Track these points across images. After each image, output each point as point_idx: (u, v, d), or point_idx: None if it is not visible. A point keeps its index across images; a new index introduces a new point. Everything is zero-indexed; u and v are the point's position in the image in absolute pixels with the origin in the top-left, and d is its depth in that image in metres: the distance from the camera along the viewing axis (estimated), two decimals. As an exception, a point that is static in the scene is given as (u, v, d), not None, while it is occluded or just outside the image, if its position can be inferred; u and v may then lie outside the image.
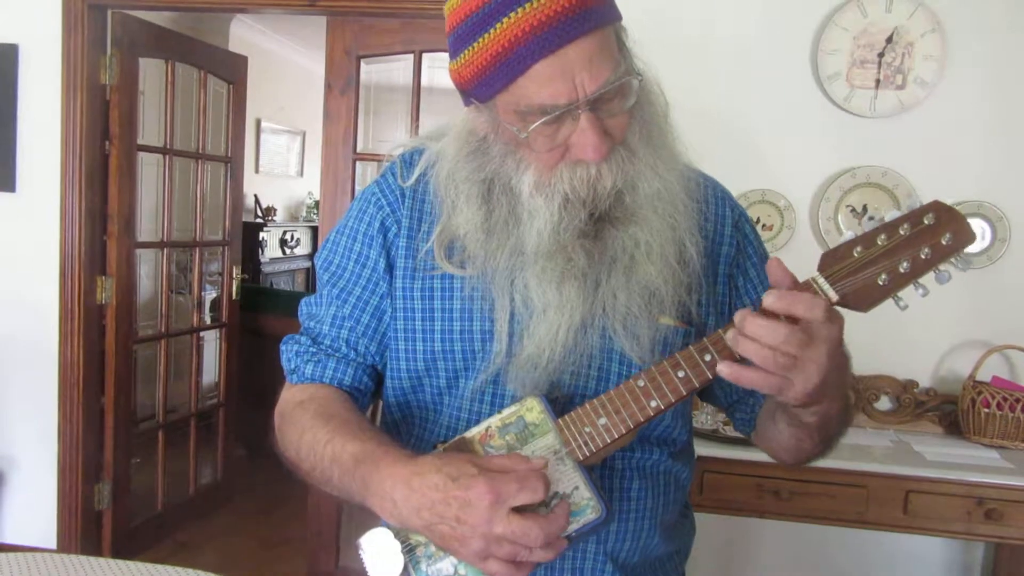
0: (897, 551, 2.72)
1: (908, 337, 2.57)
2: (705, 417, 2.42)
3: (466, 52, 0.91)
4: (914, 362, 2.62)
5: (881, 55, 2.54)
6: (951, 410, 2.56)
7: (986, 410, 2.41)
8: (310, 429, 0.99)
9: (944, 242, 0.85)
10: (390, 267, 1.07)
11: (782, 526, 2.66)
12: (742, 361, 0.84)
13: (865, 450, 2.34)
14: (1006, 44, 2.51)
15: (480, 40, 0.88)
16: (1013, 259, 2.55)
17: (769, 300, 0.82)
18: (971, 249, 2.49)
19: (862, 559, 2.75)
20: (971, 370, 2.50)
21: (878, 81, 2.54)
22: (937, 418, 2.58)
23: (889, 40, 2.53)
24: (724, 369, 0.83)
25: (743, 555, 2.84)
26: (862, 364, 2.60)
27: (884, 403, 2.63)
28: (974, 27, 2.51)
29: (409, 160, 1.10)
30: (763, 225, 2.62)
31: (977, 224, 2.52)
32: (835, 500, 2.25)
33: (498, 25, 0.86)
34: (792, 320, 0.81)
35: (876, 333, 2.46)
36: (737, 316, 0.83)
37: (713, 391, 1.15)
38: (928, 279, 0.87)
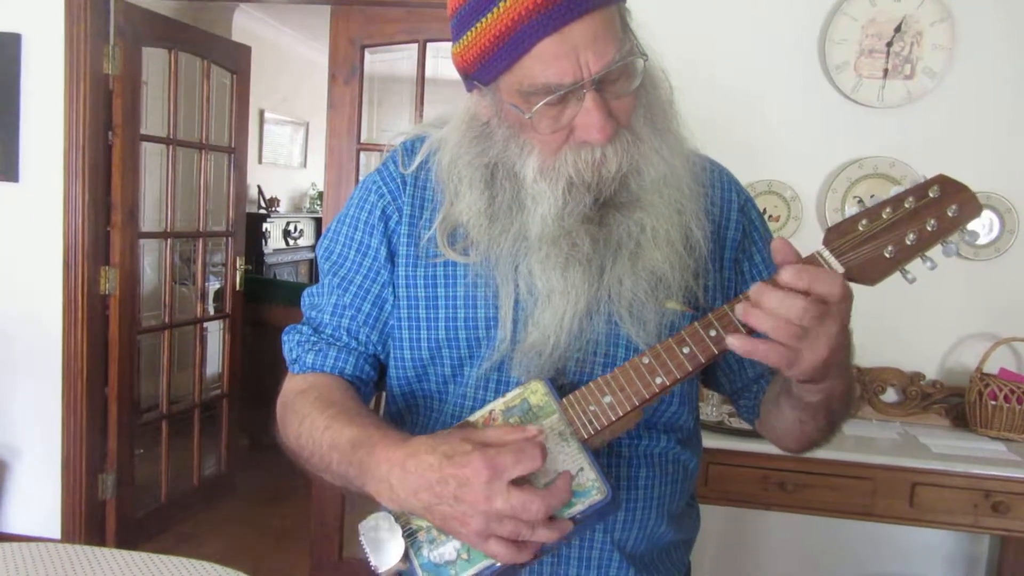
0: (903, 543, 2.71)
1: (915, 329, 2.56)
2: (710, 409, 2.41)
3: (469, 33, 0.90)
4: (921, 354, 2.60)
5: (889, 44, 2.51)
6: (958, 402, 2.55)
7: (993, 402, 2.40)
8: (309, 416, 0.98)
9: (950, 213, 0.85)
10: (392, 255, 1.06)
11: (787, 518, 2.66)
12: (751, 334, 0.83)
13: (871, 442, 2.33)
14: (1016, 34, 2.49)
15: (483, 20, 0.87)
16: (1021, 251, 2.53)
17: (787, 275, 0.80)
18: (979, 241, 2.50)
19: (867, 552, 2.75)
20: (978, 362, 2.49)
21: (886, 71, 2.52)
22: (944, 410, 2.57)
23: (898, 29, 2.51)
24: (735, 342, 0.82)
25: (748, 547, 2.83)
26: (868, 356, 2.59)
27: (890, 395, 2.61)
28: (984, 16, 2.48)
29: (410, 148, 1.09)
30: (769, 216, 2.61)
31: (985, 215, 2.50)
32: (841, 492, 2.23)
33: (501, 4, 0.85)
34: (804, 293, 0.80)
35: (883, 325, 2.46)
36: (753, 290, 0.81)
37: (718, 378, 1.14)
38: (935, 252, 0.87)
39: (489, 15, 0.86)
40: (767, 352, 0.81)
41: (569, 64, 0.85)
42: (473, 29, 0.89)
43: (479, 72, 0.92)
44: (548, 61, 0.86)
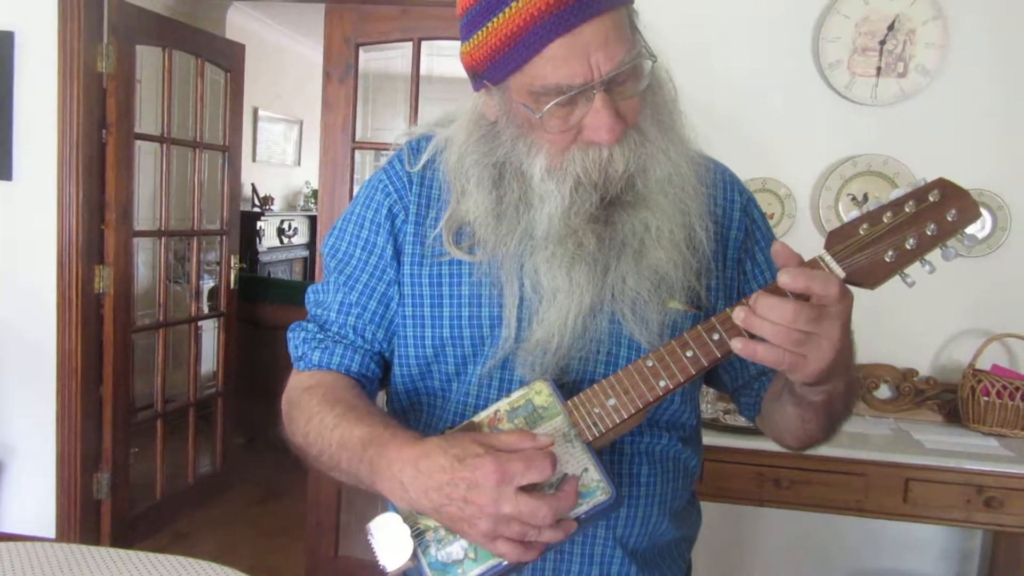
0: (896, 538, 2.73)
1: (908, 325, 2.57)
2: (706, 406, 2.42)
3: (479, 33, 0.90)
4: (914, 350, 2.62)
5: (882, 43, 2.52)
6: (951, 398, 2.56)
7: (986, 398, 2.42)
8: (317, 414, 0.99)
9: (950, 218, 0.86)
10: (398, 254, 1.06)
11: (782, 514, 2.67)
12: (755, 338, 0.84)
13: (865, 438, 2.34)
14: (1008, 32, 2.50)
15: (494, 20, 0.88)
16: (1013, 248, 2.55)
17: (785, 278, 0.81)
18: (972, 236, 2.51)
19: (861, 547, 2.76)
20: (971, 358, 2.50)
21: (879, 69, 2.53)
22: (937, 406, 2.58)
23: (891, 27, 2.52)
24: (737, 345, 0.83)
25: (743, 543, 2.85)
26: (862, 352, 2.58)
27: (884, 391, 2.63)
28: (976, 15, 2.50)
29: (416, 147, 1.10)
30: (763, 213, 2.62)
31: (977, 213, 2.52)
32: (834, 488, 2.25)
33: (513, 4, 0.86)
34: (803, 297, 0.81)
35: (876, 321, 2.46)
36: (752, 296, 0.83)
37: (719, 376, 1.15)
38: (935, 256, 0.88)
39: (500, 15, 0.87)
40: (766, 354, 0.82)
41: (580, 65, 0.86)
42: (484, 29, 0.89)
43: (489, 71, 0.92)
44: (559, 62, 0.86)
